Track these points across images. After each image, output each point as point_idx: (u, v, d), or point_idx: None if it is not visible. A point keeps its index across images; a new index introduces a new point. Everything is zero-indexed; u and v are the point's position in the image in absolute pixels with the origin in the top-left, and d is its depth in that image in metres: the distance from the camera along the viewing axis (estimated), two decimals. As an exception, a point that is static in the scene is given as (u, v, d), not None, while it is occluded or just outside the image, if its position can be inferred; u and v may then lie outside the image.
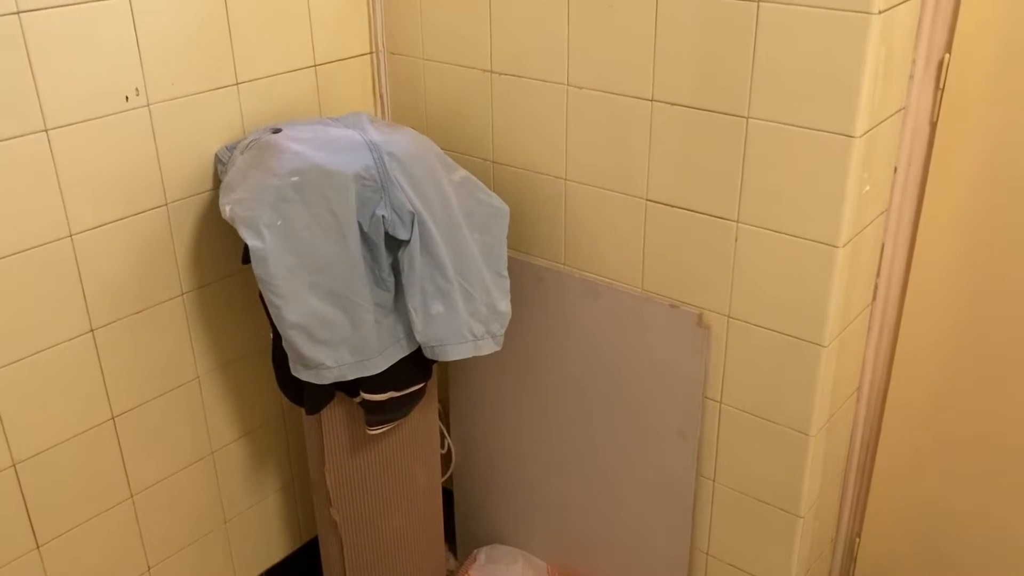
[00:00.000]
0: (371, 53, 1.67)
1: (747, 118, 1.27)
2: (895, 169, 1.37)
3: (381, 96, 1.70)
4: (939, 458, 1.51)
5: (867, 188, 1.28)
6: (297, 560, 1.86)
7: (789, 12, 1.19)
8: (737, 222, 1.34)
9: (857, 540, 1.64)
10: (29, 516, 1.38)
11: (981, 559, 1.50)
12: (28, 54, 1.21)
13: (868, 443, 1.57)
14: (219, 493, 1.66)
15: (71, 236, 1.32)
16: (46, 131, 1.25)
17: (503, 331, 1.48)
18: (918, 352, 1.47)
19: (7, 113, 1.21)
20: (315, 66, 1.57)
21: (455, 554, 2.01)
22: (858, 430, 1.55)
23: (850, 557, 1.66)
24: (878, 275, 1.44)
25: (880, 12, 1.14)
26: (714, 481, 1.54)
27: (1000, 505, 1.46)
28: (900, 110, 1.32)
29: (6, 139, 1.21)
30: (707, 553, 1.60)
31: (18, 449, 1.34)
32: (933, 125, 1.34)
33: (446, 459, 1.83)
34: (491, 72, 1.53)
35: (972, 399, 1.45)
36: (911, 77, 1.31)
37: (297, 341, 1.34)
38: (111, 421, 1.45)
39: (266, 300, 1.33)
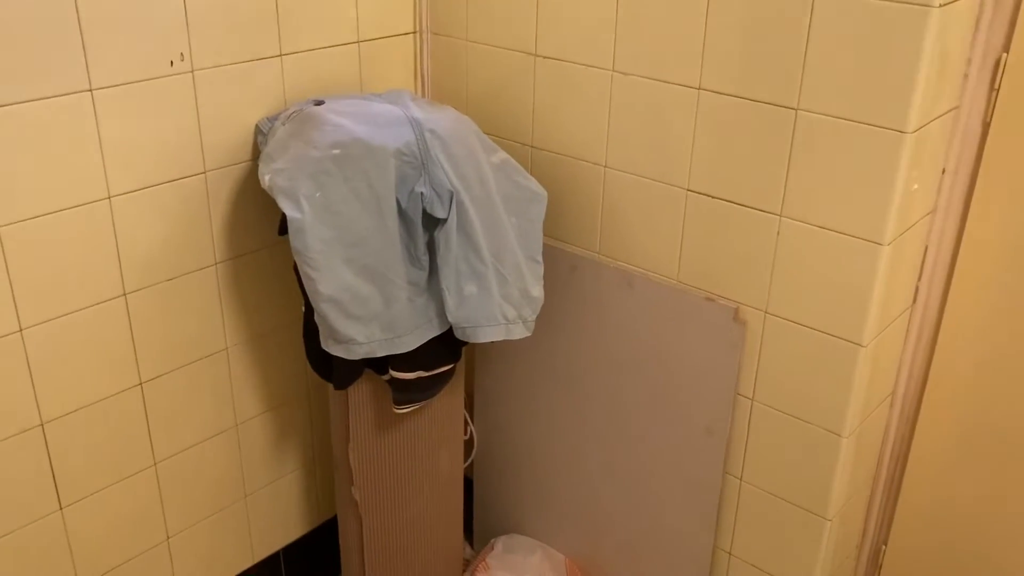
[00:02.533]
0: (415, 32, 1.66)
1: (796, 110, 1.26)
2: (943, 170, 1.35)
3: (422, 76, 1.69)
4: (972, 469, 1.48)
5: (915, 187, 1.25)
6: (315, 539, 1.86)
7: (846, 1, 1.17)
8: (780, 216, 1.32)
9: (883, 548, 1.61)
10: (54, 477, 1.38)
11: (1013, 571, 1.47)
12: (78, 11, 1.20)
13: (900, 450, 1.54)
14: (241, 467, 1.66)
15: (109, 198, 1.32)
16: (91, 91, 1.25)
17: (535, 317, 1.47)
18: (956, 359, 1.45)
19: (54, 71, 1.21)
20: (358, 42, 1.57)
21: (472, 543, 2.00)
22: (890, 436, 1.53)
23: (875, 565, 1.64)
24: (920, 278, 1.41)
25: (941, 6, 1.12)
26: (741, 480, 1.52)
27: (1032, 519, 1.43)
28: (952, 109, 1.30)
29: (51, 96, 1.21)
30: (730, 553, 1.58)
31: (46, 409, 1.34)
32: (986, 126, 1.31)
33: (468, 446, 1.82)
34: (535, 56, 1.52)
35: (1010, 412, 1.42)
36: (965, 76, 1.29)
37: (330, 315, 1.33)
38: (139, 387, 1.45)
39: (301, 272, 1.33)
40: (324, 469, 1.82)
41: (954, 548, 1.53)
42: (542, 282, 1.48)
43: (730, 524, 1.56)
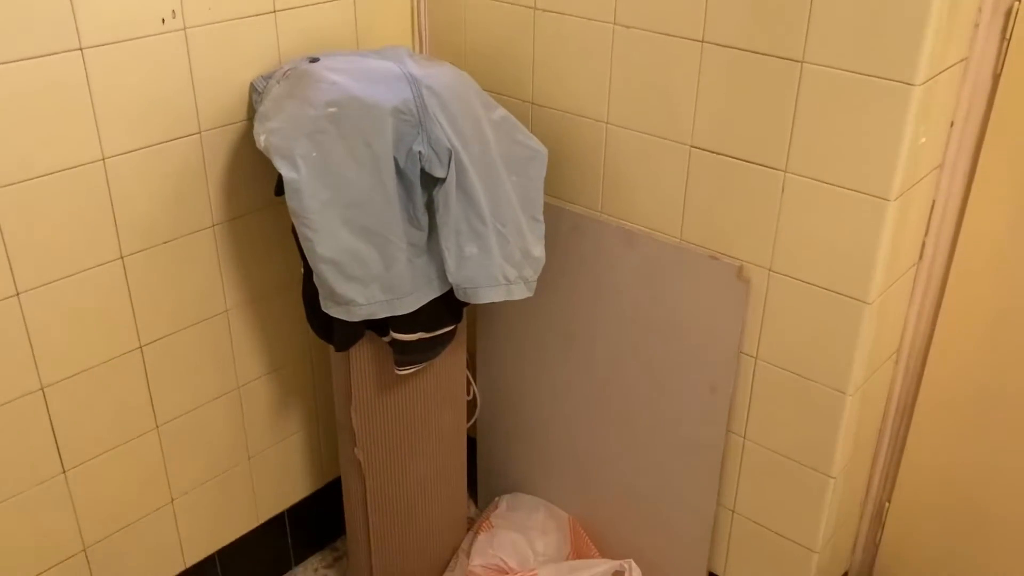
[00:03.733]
0: (412, -13, 1.63)
1: (801, 63, 1.23)
2: (951, 123, 1.32)
3: (420, 32, 1.66)
4: (977, 427, 1.47)
5: (923, 140, 1.23)
6: (319, 500, 1.86)
7: (853, -50, 1.14)
8: (785, 171, 1.30)
9: (887, 505, 1.61)
10: (56, 440, 1.38)
11: (1015, 529, 1.47)
12: (65, -32, 1.18)
13: (904, 407, 1.54)
14: (244, 429, 1.66)
15: (103, 160, 1.30)
16: (81, 50, 1.22)
17: (536, 277, 1.46)
18: (962, 317, 1.43)
19: (43, 29, 1.18)
20: (354, -3, 1.53)
21: (476, 502, 2.01)
22: (895, 393, 1.52)
23: (878, 521, 1.64)
24: (926, 233, 1.39)
25: (951, -48, 1.09)
26: (744, 438, 1.52)
27: (1037, 475, 1.43)
28: (961, 60, 1.27)
29: (41, 56, 1.19)
30: (733, 511, 1.58)
31: (47, 372, 1.34)
32: (996, 78, 1.28)
33: (471, 406, 1.82)
34: (535, 9, 1.49)
35: (1015, 369, 1.40)
36: (976, 26, 1.25)
37: (329, 276, 1.32)
38: (139, 350, 1.44)
39: (299, 233, 1.31)
40: (327, 430, 1.82)
41: (958, 505, 1.53)
42: (543, 242, 1.46)
43: (733, 482, 1.56)
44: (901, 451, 1.56)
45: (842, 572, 1.69)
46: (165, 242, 1.42)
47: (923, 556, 1.60)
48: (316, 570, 1.87)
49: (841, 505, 1.52)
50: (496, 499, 1.87)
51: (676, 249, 1.46)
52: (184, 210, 1.42)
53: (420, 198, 1.33)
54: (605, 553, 1.75)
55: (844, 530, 1.61)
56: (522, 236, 1.42)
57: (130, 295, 1.40)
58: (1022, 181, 1.32)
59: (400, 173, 1.31)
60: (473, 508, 2.00)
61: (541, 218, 1.45)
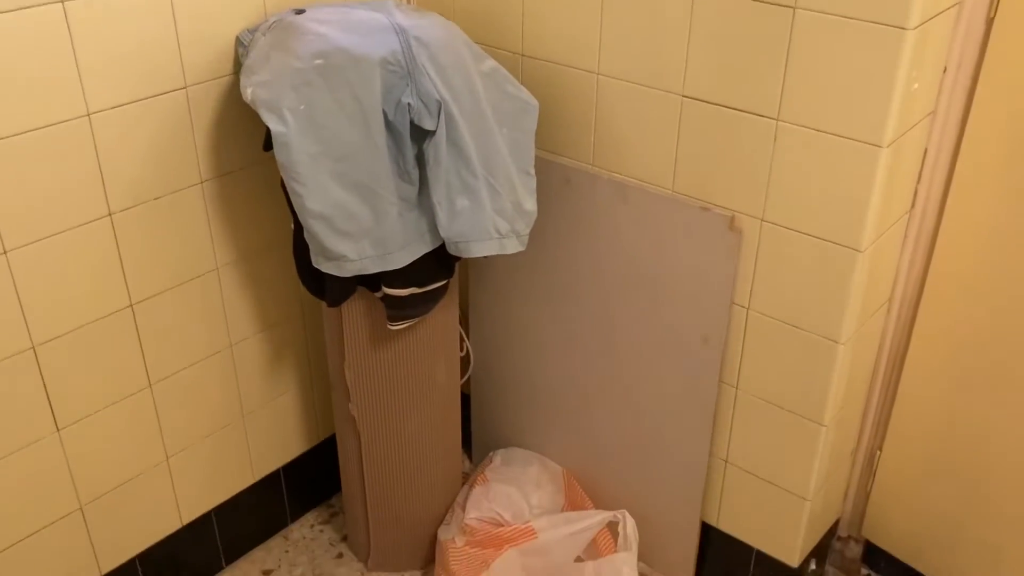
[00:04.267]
0: (398, -63, 1.59)
1: (794, 8, 1.21)
2: (944, 69, 1.31)
3: (407, -17, 1.64)
4: (967, 376, 1.48)
5: (916, 86, 1.22)
6: (314, 457, 1.87)
7: None
8: (777, 120, 1.29)
9: (878, 453, 1.63)
10: (49, 398, 1.38)
11: (1004, 477, 1.48)
12: (43, -83, 1.15)
13: (895, 356, 1.54)
14: (237, 387, 1.66)
15: (88, 115, 1.28)
16: (62, 1, 1.20)
17: (528, 231, 1.45)
18: (954, 265, 1.43)
19: (21, -19, 1.16)
20: (340, -52, 1.51)
21: (471, 458, 2.02)
22: (886, 342, 1.53)
23: (869, 470, 1.65)
24: (918, 181, 1.39)
25: None
26: (736, 388, 1.52)
27: (1026, 422, 1.44)
28: (955, 5, 1.26)
29: (22, 8, 1.17)
30: (726, 461, 1.60)
31: (37, 331, 1.33)
32: (989, 23, 1.27)
33: (464, 362, 1.82)
34: (524, -42, 1.47)
35: (1007, 318, 1.41)
36: (970, -31, 1.24)
37: (319, 232, 1.31)
38: (129, 308, 1.44)
39: (288, 188, 1.30)
40: (321, 387, 1.82)
41: (949, 453, 1.54)
42: (535, 195, 1.45)
43: (726, 432, 1.57)
44: (892, 400, 1.57)
45: (833, 520, 1.71)
46: (154, 199, 1.40)
47: (914, 504, 1.62)
48: (312, 527, 1.89)
49: (833, 454, 1.54)
50: (490, 454, 1.88)
51: (668, 201, 1.46)
52: (172, 167, 1.41)
53: (410, 151, 1.32)
54: (599, 505, 1.76)
55: (836, 479, 1.62)
56: (513, 189, 1.41)
57: (119, 253, 1.39)
58: (1014, 128, 1.31)
59: (389, 126, 1.30)
60: (468, 464, 2.01)
61: (533, 171, 1.44)
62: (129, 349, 1.46)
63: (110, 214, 1.36)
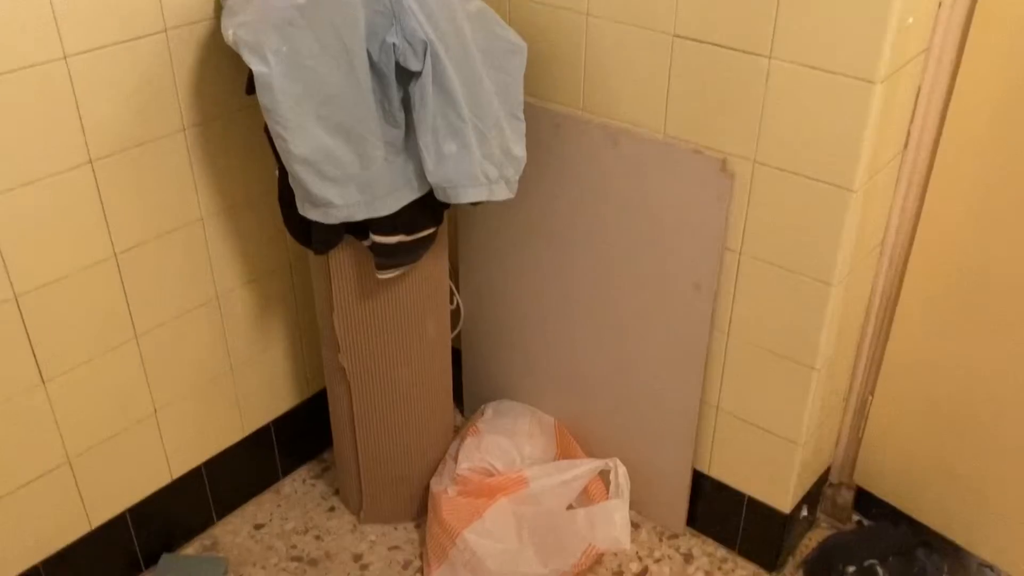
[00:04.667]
0: None
1: (787, -59, 1.19)
2: (939, 4, 1.29)
3: (391, -75, 1.59)
4: (960, 319, 1.47)
5: (910, 20, 1.20)
6: (305, 411, 1.86)
7: None
8: (769, 58, 1.27)
9: (870, 398, 1.63)
10: (33, 350, 1.36)
11: (996, 421, 1.48)
12: None
13: (888, 300, 1.53)
14: (225, 339, 1.64)
15: (65, 58, 1.25)
16: (35, -61, 1.17)
17: (517, 177, 1.43)
18: (946, 208, 1.42)
19: (-9, -84, 1.12)
20: None
21: (462, 412, 2.01)
22: (878, 286, 1.52)
23: (861, 415, 1.65)
24: (912, 121, 1.37)
25: None
26: (728, 335, 1.52)
27: (1019, 366, 1.43)
28: (951, -62, 1.23)
29: (-8, -55, 1.14)
30: (717, 407, 1.59)
31: (19, 280, 1.31)
32: (985, -44, 1.25)
33: (455, 316, 1.81)
34: None
35: (999, 260, 1.40)
36: (965, -100, 1.22)
37: (304, 177, 1.29)
38: (113, 258, 1.41)
39: (272, 132, 1.27)
40: (311, 341, 1.80)
41: (941, 398, 1.54)
42: (524, 140, 1.43)
43: (717, 379, 1.57)
44: (884, 344, 1.57)
45: (825, 467, 1.71)
46: (135, 146, 1.38)
47: (905, 450, 1.62)
48: (304, 481, 1.88)
49: (824, 399, 1.53)
50: (482, 406, 1.88)
51: (660, 145, 1.44)
52: (153, 113, 1.38)
53: (396, 94, 1.30)
54: (591, 455, 1.76)
55: (827, 425, 1.62)
56: (502, 134, 1.39)
57: (101, 201, 1.36)
58: (1008, 67, 1.29)
59: (374, 67, 1.27)
60: (459, 418, 2.01)
61: (522, 116, 1.42)
62: (114, 300, 1.44)
63: (91, 161, 1.33)
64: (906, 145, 1.39)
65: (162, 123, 1.40)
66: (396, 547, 1.73)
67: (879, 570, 1.52)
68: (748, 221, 1.40)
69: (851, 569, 1.53)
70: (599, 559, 1.69)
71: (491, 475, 1.67)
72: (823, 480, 1.73)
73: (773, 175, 1.34)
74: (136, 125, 1.37)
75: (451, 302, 1.71)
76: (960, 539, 1.60)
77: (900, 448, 1.63)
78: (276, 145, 1.29)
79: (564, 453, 1.77)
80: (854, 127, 1.23)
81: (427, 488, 1.73)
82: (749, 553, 1.70)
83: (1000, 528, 1.53)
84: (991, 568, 1.61)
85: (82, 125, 1.30)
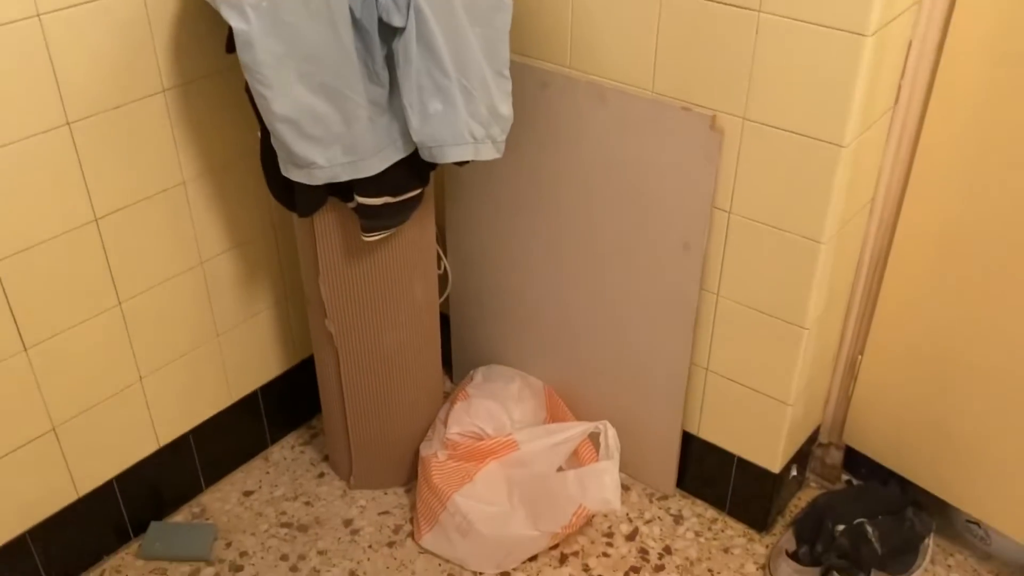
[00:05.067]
0: None
1: None
2: (931, -44, 1.27)
3: None
4: (950, 277, 1.47)
5: (902, -29, 1.18)
6: (293, 378, 1.85)
7: None
8: (759, 11, 1.25)
9: (859, 357, 1.62)
10: (13, 316, 1.34)
11: (985, 381, 1.48)
12: None
13: (878, 258, 1.53)
14: (210, 305, 1.62)
15: (38, 16, 1.22)
16: None
17: (504, 136, 1.41)
18: (937, 164, 1.41)
19: None
20: None
21: (451, 377, 2.01)
22: (868, 244, 1.51)
23: (851, 375, 1.65)
24: (902, 76, 1.36)
25: None
26: (717, 295, 1.51)
27: (1009, 327, 1.42)
28: None
29: None
30: (707, 368, 1.59)
31: (-2, 246, 1.29)
32: (977, -96, 1.23)
33: (442, 281, 1.79)
34: None
35: (990, 216, 1.39)
36: None
37: (287, 137, 1.27)
38: (94, 223, 1.39)
39: (252, 91, 1.25)
40: (297, 307, 1.79)
41: (930, 357, 1.54)
42: (510, 99, 1.41)
43: (707, 340, 1.56)
44: (874, 304, 1.56)
45: (814, 427, 1.71)
46: (114, 108, 1.35)
47: (894, 409, 1.62)
48: (293, 448, 1.87)
49: (814, 358, 1.53)
50: (471, 371, 1.87)
51: (648, 103, 1.42)
52: (131, 74, 1.35)
53: (379, 51, 1.27)
54: (581, 417, 1.75)
55: (817, 384, 1.62)
56: (488, 92, 1.37)
57: (80, 163, 1.34)
58: (1000, 21, 1.27)
59: (356, 23, 1.24)
60: (448, 383, 2.00)
61: (507, 74, 1.39)
62: (96, 266, 1.42)
63: (68, 123, 1.30)
64: (896, 100, 1.38)
65: (141, 84, 1.37)
66: (386, 512, 1.73)
67: (868, 528, 1.52)
68: (737, 179, 1.39)
69: (840, 528, 1.54)
70: (589, 521, 1.69)
71: (481, 439, 1.67)
72: (812, 440, 1.73)
73: (763, 132, 1.32)
74: (114, 86, 1.34)
75: (439, 267, 1.69)
76: (948, 496, 1.61)
77: (889, 407, 1.63)
78: (257, 104, 1.26)
79: (554, 416, 1.77)
80: (844, 82, 1.22)
81: (417, 453, 1.73)
82: (739, 513, 1.70)
83: (986, 485, 1.54)
84: (977, 524, 1.62)
85: (58, 85, 1.27)
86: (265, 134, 1.36)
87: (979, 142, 1.35)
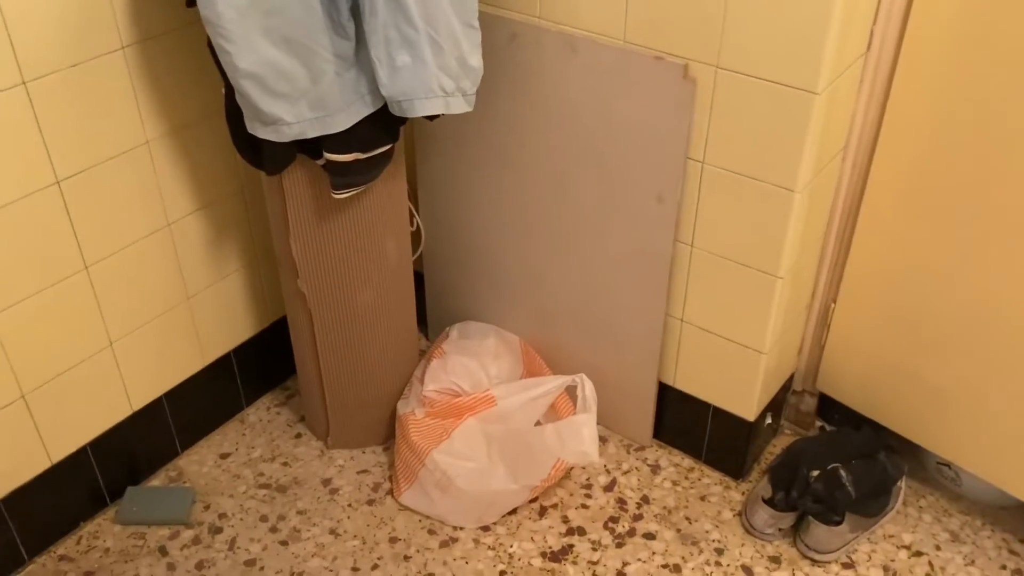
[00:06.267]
0: None
1: None
2: (903, -102, 1.25)
3: None
4: (921, 226, 1.47)
5: (874, -87, 1.16)
6: (266, 339, 1.83)
7: None
8: (730, -44, 1.23)
9: (832, 305, 1.64)
10: (-24, 283, 1.31)
11: (956, 326, 1.50)
12: None
13: (851, 206, 1.53)
14: (179, 268, 1.60)
15: (-13, -29, 1.17)
16: None
17: (475, 89, 1.38)
18: (909, 110, 1.40)
19: None
20: None
21: (427, 335, 2.00)
22: (841, 192, 1.51)
23: (824, 322, 1.66)
24: (875, 21, 1.35)
25: None
26: (692, 246, 1.51)
27: (979, 272, 1.43)
28: None
29: None
30: (682, 320, 1.59)
31: (-44, 211, 1.25)
32: None
33: (415, 238, 1.77)
34: None
35: (961, 163, 1.39)
36: None
37: (252, 93, 1.24)
38: (56, 186, 1.35)
39: (215, 47, 1.22)
40: (268, 267, 1.77)
41: (902, 304, 1.55)
42: (480, 51, 1.38)
43: (682, 292, 1.56)
44: (847, 251, 1.57)
45: (788, 374, 1.73)
46: (72, 66, 1.31)
47: (867, 355, 1.64)
48: (268, 409, 1.86)
49: (788, 307, 1.54)
50: (447, 329, 1.86)
51: (620, 52, 1.40)
52: (88, 30, 1.31)
53: (344, 3, 1.24)
54: (558, 372, 1.76)
55: (791, 333, 1.63)
56: (457, 44, 1.34)
57: (38, 124, 1.30)
58: (972, -38, 1.27)
59: (320, -26, 1.21)
60: (424, 341, 1.99)
61: (476, 24, 1.36)
62: (60, 229, 1.39)
63: (24, 82, 1.26)
64: (869, 47, 1.37)
65: (99, 42, 1.33)
66: (365, 471, 1.73)
67: (842, 473, 1.54)
68: (711, 129, 1.38)
69: (815, 473, 1.56)
70: (568, 473, 1.71)
71: (458, 395, 1.67)
72: (787, 388, 1.75)
73: (735, 80, 1.31)
74: (71, 44, 1.29)
75: (411, 224, 1.67)
76: (919, 440, 1.64)
77: (862, 354, 1.64)
78: (221, 61, 1.23)
79: (530, 371, 1.77)
80: (817, 26, 1.20)
81: (394, 412, 1.73)
82: (715, 462, 1.72)
83: (957, 427, 1.56)
84: (948, 466, 1.65)
85: (12, 44, 1.23)
86: (229, 91, 1.32)
87: (951, 87, 1.35)
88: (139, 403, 1.63)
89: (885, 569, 1.55)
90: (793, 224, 1.38)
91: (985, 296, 1.44)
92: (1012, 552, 1.58)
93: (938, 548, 1.58)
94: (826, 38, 1.21)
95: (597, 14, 1.39)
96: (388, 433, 1.77)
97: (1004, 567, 1.55)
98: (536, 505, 1.65)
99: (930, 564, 1.56)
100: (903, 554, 1.58)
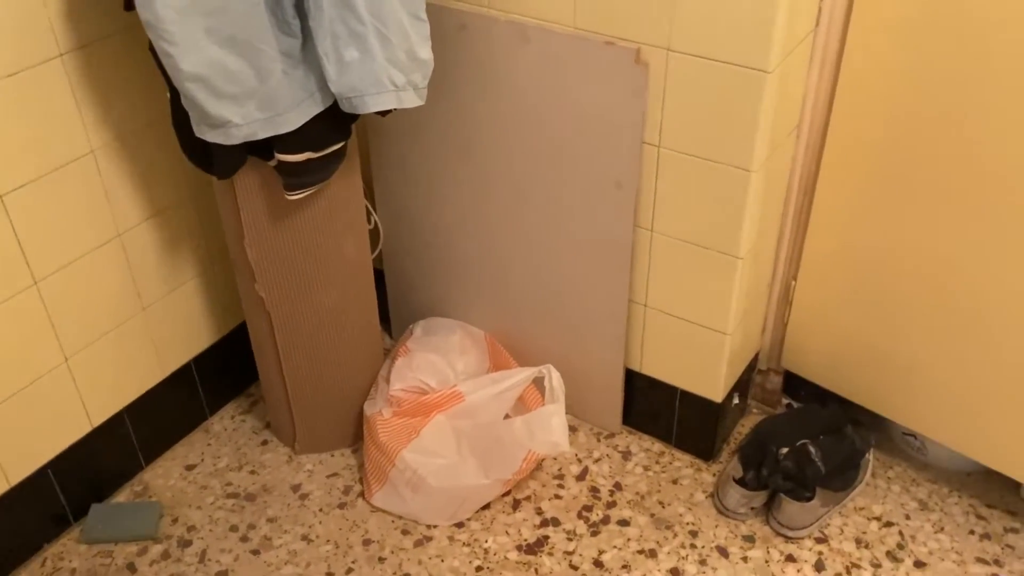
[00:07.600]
0: None
1: None
2: None
3: None
4: (877, 202, 1.48)
5: None
6: (226, 347, 1.80)
7: None
8: (676, -62, 1.22)
9: (793, 283, 1.64)
10: (-80, 304, 1.27)
11: (916, 299, 1.51)
12: None
13: (806, 184, 1.54)
14: (132, 279, 1.56)
15: (-86, -20, 1.13)
16: None
17: (426, 83, 1.37)
18: (860, 85, 1.41)
19: None
20: None
21: (391, 334, 1.98)
22: (797, 170, 1.52)
23: (786, 300, 1.67)
24: (822, -1, 1.35)
25: None
26: (652, 231, 1.50)
27: (937, 245, 1.45)
28: None
29: None
30: (645, 305, 1.59)
31: None
32: None
33: (374, 236, 1.75)
34: None
35: (914, 138, 1.40)
36: None
37: (198, 96, 1.21)
38: (-1, 200, 1.32)
39: (157, 50, 1.18)
40: (225, 273, 1.73)
41: (862, 278, 1.56)
42: (430, 43, 1.36)
43: (644, 277, 1.56)
44: (805, 228, 1.58)
45: (753, 354, 1.74)
46: (9, 75, 1.27)
47: (830, 331, 1.65)
48: (233, 418, 1.83)
49: (750, 287, 1.54)
50: (410, 326, 1.84)
51: (571, 39, 1.39)
52: (23, 39, 1.27)
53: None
54: (524, 364, 1.75)
55: (754, 313, 1.64)
56: (406, 36, 1.32)
57: (-24, 138, 1.26)
58: (914, -65, 1.27)
59: (262, -29, 1.18)
60: (388, 341, 1.97)
61: (424, 16, 1.34)
62: (5, 245, 1.35)
63: (-42, 94, 1.22)
64: (818, 23, 1.37)
65: (35, 50, 1.29)
66: (335, 474, 1.71)
67: (811, 449, 1.55)
68: (665, 113, 1.38)
69: (784, 451, 1.57)
70: (540, 465, 1.70)
71: (425, 393, 1.65)
72: (752, 367, 1.75)
73: (688, 62, 1.31)
74: (6, 53, 1.26)
75: (368, 221, 1.65)
76: (885, 412, 1.65)
77: (825, 330, 1.66)
78: (164, 64, 1.20)
79: (497, 365, 1.76)
80: (766, 4, 1.20)
81: (361, 413, 1.71)
82: (685, 445, 1.73)
83: (921, 398, 1.58)
84: (914, 436, 1.67)
85: (-57, 55, 1.19)
86: (175, 95, 1.29)
87: (900, 61, 1.36)
88: (99, 419, 1.59)
89: (857, 541, 1.56)
90: (751, 204, 1.39)
91: (943, 267, 1.45)
92: (979, 517, 1.60)
93: (907, 517, 1.60)
94: (775, 16, 1.21)
95: (546, 1, 1.38)
96: (356, 435, 1.75)
97: (972, 531, 1.58)
98: (509, 498, 1.65)
99: (900, 534, 1.58)
100: (874, 525, 1.59)
